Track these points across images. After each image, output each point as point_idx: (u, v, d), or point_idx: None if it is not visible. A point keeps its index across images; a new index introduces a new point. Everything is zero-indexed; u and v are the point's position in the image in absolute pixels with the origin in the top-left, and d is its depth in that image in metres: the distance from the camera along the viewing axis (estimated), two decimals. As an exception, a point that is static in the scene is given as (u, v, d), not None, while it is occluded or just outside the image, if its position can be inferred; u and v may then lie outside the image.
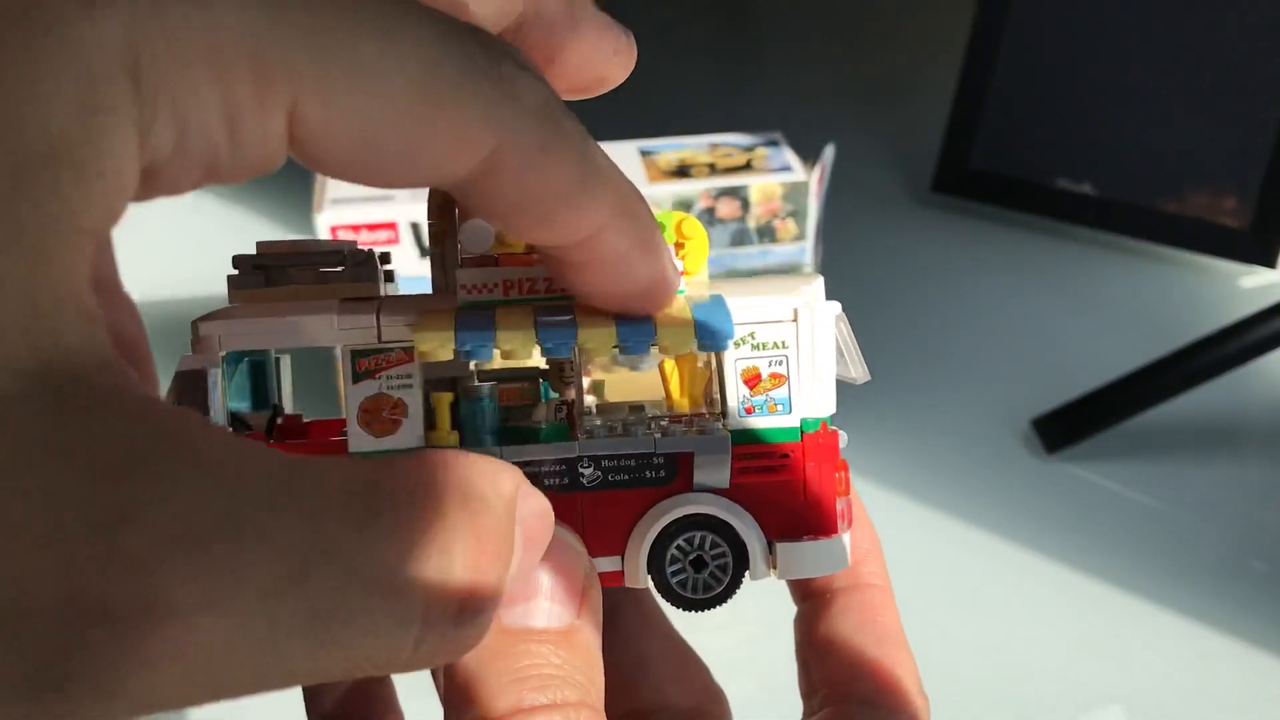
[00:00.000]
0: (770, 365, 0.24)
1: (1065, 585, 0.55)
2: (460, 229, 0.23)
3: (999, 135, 0.82)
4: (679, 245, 0.25)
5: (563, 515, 0.23)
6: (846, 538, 0.25)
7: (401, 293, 0.26)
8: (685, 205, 0.54)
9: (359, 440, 0.23)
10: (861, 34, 1.12)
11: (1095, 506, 0.60)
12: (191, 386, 0.23)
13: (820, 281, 0.25)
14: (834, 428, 0.25)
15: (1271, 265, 0.74)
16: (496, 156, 0.19)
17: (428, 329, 0.22)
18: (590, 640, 0.22)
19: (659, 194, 0.54)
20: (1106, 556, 0.57)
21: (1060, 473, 0.62)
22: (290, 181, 0.76)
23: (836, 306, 0.25)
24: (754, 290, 0.24)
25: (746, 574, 0.24)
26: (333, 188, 0.54)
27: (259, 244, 0.25)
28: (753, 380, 0.24)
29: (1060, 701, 0.50)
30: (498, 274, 0.24)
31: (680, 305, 0.23)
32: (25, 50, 0.15)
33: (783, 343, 0.24)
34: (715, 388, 0.25)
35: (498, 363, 0.24)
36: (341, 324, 0.23)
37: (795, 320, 0.24)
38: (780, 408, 0.24)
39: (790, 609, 0.28)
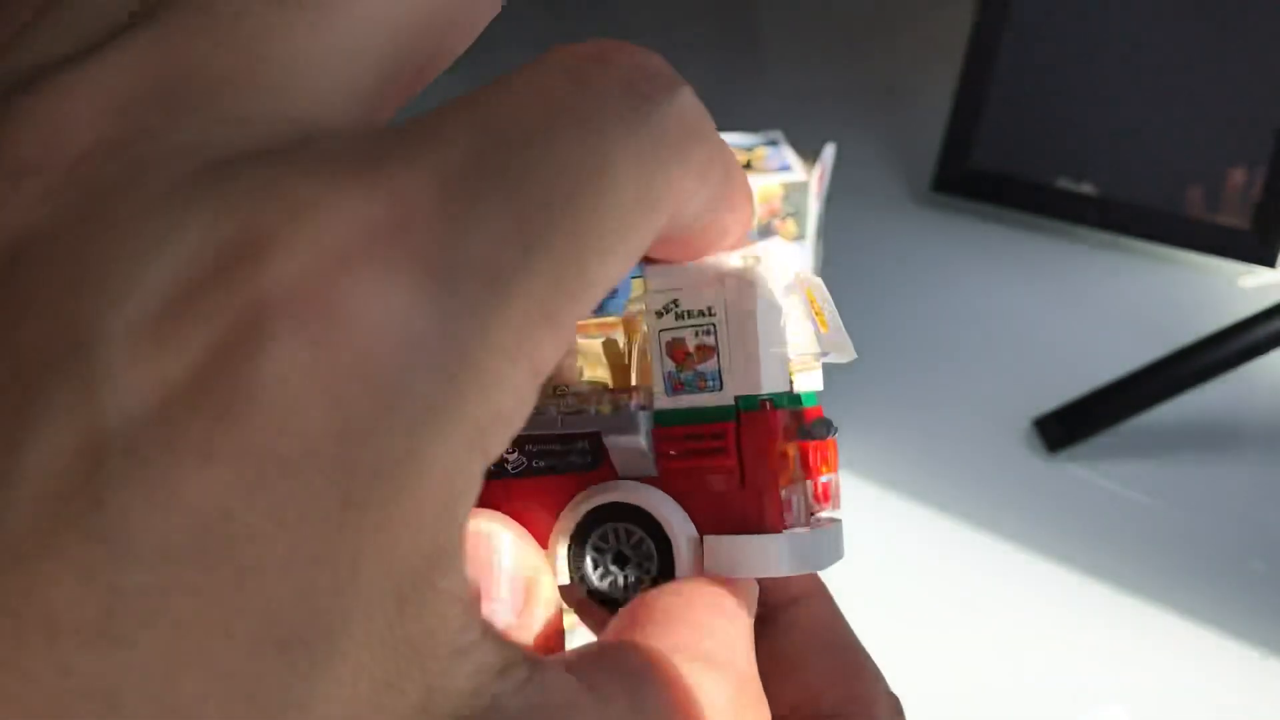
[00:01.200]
0: (696, 336, 0.21)
1: (1066, 585, 0.55)
2: None
3: (999, 135, 0.81)
4: None
5: (492, 503, 0.22)
6: (833, 531, 0.22)
7: None
8: (685, 205, 0.54)
9: None
10: (861, 34, 1.12)
11: (1096, 506, 0.60)
12: None
13: (776, 244, 0.22)
14: (816, 408, 0.23)
15: (1271, 265, 0.74)
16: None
17: None
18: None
19: (659, 194, 0.54)
20: (1107, 556, 0.56)
21: (1061, 472, 0.61)
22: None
23: (795, 267, 0.22)
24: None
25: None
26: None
27: None
28: (679, 354, 0.21)
29: (1060, 701, 0.50)
30: None
31: None
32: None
33: (708, 309, 0.21)
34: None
35: None
36: None
37: (722, 284, 0.21)
38: (709, 384, 0.21)
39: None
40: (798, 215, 0.55)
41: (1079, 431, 0.62)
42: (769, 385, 0.21)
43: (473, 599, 0.16)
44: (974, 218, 0.83)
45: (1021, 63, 0.81)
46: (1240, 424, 0.65)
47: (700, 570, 0.21)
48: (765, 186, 0.54)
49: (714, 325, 0.21)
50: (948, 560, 0.57)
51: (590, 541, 0.22)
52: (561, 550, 0.22)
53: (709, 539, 0.21)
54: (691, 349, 0.21)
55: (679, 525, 0.21)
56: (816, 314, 0.22)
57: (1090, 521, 0.59)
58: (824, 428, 0.22)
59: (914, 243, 0.81)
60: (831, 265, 0.64)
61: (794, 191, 0.54)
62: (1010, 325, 0.73)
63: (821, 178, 0.55)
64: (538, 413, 0.22)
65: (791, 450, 0.22)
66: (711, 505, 0.21)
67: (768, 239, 0.22)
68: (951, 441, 0.64)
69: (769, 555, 0.21)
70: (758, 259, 0.21)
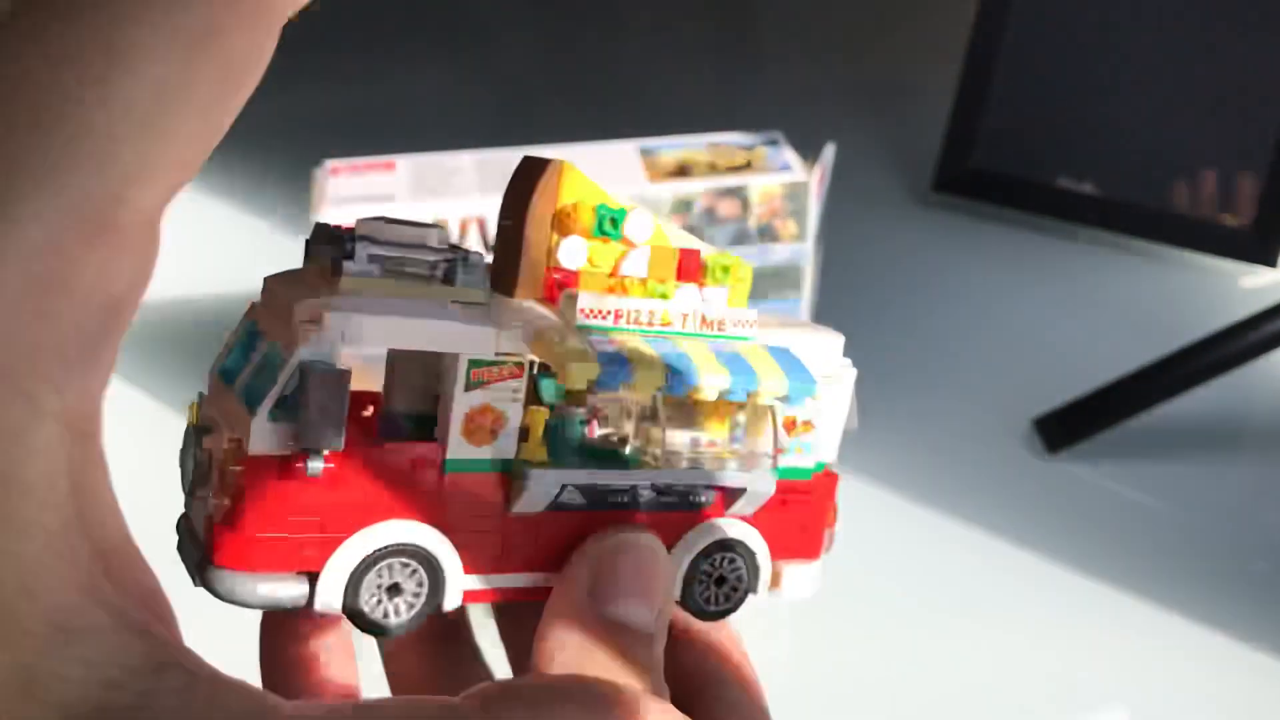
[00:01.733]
0: (805, 415, 0.27)
1: (1066, 585, 0.55)
2: (560, 245, 0.24)
3: (999, 135, 0.81)
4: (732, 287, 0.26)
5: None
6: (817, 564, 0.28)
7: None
8: (685, 205, 0.54)
9: (458, 448, 0.23)
10: (861, 34, 1.12)
11: (1096, 506, 0.60)
12: (327, 388, 0.21)
13: (841, 340, 0.27)
14: (833, 470, 0.28)
15: (1272, 265, 0.74)
16: None
17: (574, 359, 0.23)
18: (664, 642, 0.25)
19: (659, 194, 0.54)
20: (1107, 556, 0.56)
21: (1061, 472, 0.61)
22: (288, 180, 0.76)
23: (854, 370, 0.28)
24: (794, 341, 0.26)
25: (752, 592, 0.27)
26: (332, 187, 0.54)
27: (359, 221, 0.24)
28: (789, 426, 0.27)
29: (1060, 702, 0.50)
30: (615, 303, 0.24)
31: (756, 351, 0.25)
32: None
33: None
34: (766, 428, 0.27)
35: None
36: (469, 333, 0.23)
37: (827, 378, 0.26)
38: (804, 451, 0.27)
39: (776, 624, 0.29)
40: (798, 215, 0.55)
41: (1079, 431, 0.62)
42: (833, 454, 0.28)
43: (94, 584, 0.17)
44: (974, 217, 0.83)
45: (1021, 63, 0.81)
46: (1240, 424, 0.65)
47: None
48: (765, 186, 0.54)
49: (821, 409, 0.27)
50: (948, 560, 0.57)
51: (704, 564, 0.26)
52: (683, 568, 0.26)
53: (787, 568, 0.28)
54: (799, 423, 0.27)
55: (767, 559, 0.27)
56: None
57: (1090, 521, 0.59)
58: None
59: (914, 243, 0.81)
60: (831, 265, 0.64)
61: (794, 191, 0.54)
62: (1010, 325, 0.73)
63: (821, 178, 0.55)
64: (693, 465, 0.26)
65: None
66: (782, 541, 0.28)
67: (836, 341, 0.27)
68: (951, 441, 0.64)
69: (818, 576, 0.29)
70: (845, 362, 0.28)
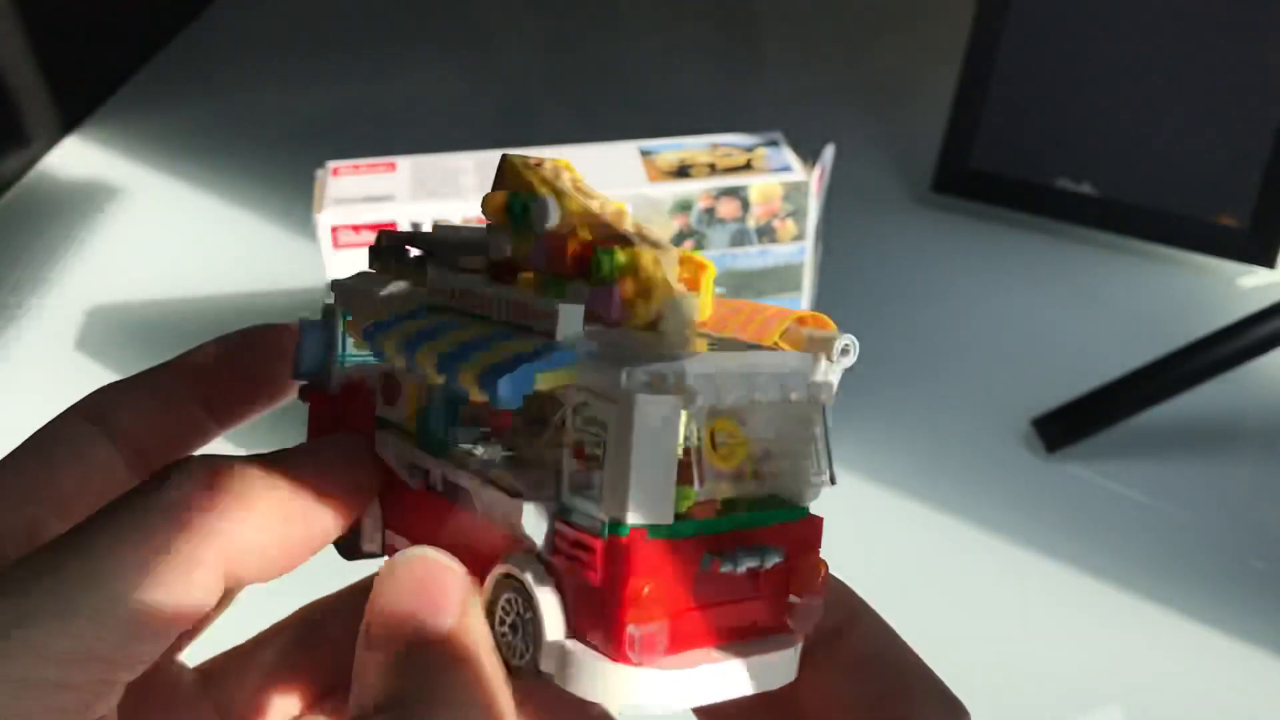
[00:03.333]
0: (589, 445, 0.20)
1: (1065, 585, 0.55)
2: (534, 204, 0.22)
3: (999, 135, 0.82)
4: (691, 282, 0.23)
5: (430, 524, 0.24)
6: (746, 664, 0.21)
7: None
8: (685, 205, 0.54)
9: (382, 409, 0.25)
10: (861, 34, 1.12)
11: (1095, 506, 0.60)
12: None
13: (698, 363, 0.20)
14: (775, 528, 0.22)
15: (1271, 265, 0.74)
16: None
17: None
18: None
19: (659, 194, 0.54)
20: (1106, 556, 0.57)
21: (1060, 472, 0.62)
22: (289, 180, 0.76)
23: (700, 397, 0.20)
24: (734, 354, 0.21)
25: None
26: (332, 187, 0.54)
27: (436, 227, 0.24)
28: (579, 455, 0.21)
29: (1060, 701, 0.50)
30: (456, 281, 0.24)
31: (525, 346, 0.21)
32: None
33: (602, 423, 0.20)
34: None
35: None
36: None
37: (616, 403, 0.20)
38: (593, 496, 0.20)
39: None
40: (797, 215, 0.55)
41: (1078, 431, 0.62)
42: (637, 515, 0.20)
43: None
44: (974, 218, 0.83)
45: (1021, 63, 0.81)
46: (1240, 424, 0.65)
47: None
48: (765, 186, 0.54)
49: (603, 440, 0.20)
50: (947, 560, 0.57)
51: (501, 600, 0.22)
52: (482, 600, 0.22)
53: (569, 643, 0.21)
54: (587, 454, 0.21)
55: (554, 616, 0.21)
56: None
57: (1090, 521, 0.59)
58: (747, 557, 0.21)
59: (914, 243, 0.81)
60: (831, 265, 0.64)
61: (794, 191, 0.54)
62: (1009, 325, 0.73)
63: (821, 178, 0.55)
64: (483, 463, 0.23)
65: (677, 581, 0.21)
66: (580, 610, 0.21)
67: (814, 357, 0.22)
68: (951, 441, 0.64)
69: (598, 686, 0.20)
70: (662, 381, 0.20)
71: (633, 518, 0.20)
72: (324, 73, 1.07)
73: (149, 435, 0.25)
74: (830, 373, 0.22)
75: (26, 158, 0.94)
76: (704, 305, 0.22)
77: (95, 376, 0.70)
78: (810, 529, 0.23)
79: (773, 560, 0.21)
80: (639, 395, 0.20)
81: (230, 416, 0.26)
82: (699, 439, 0.21)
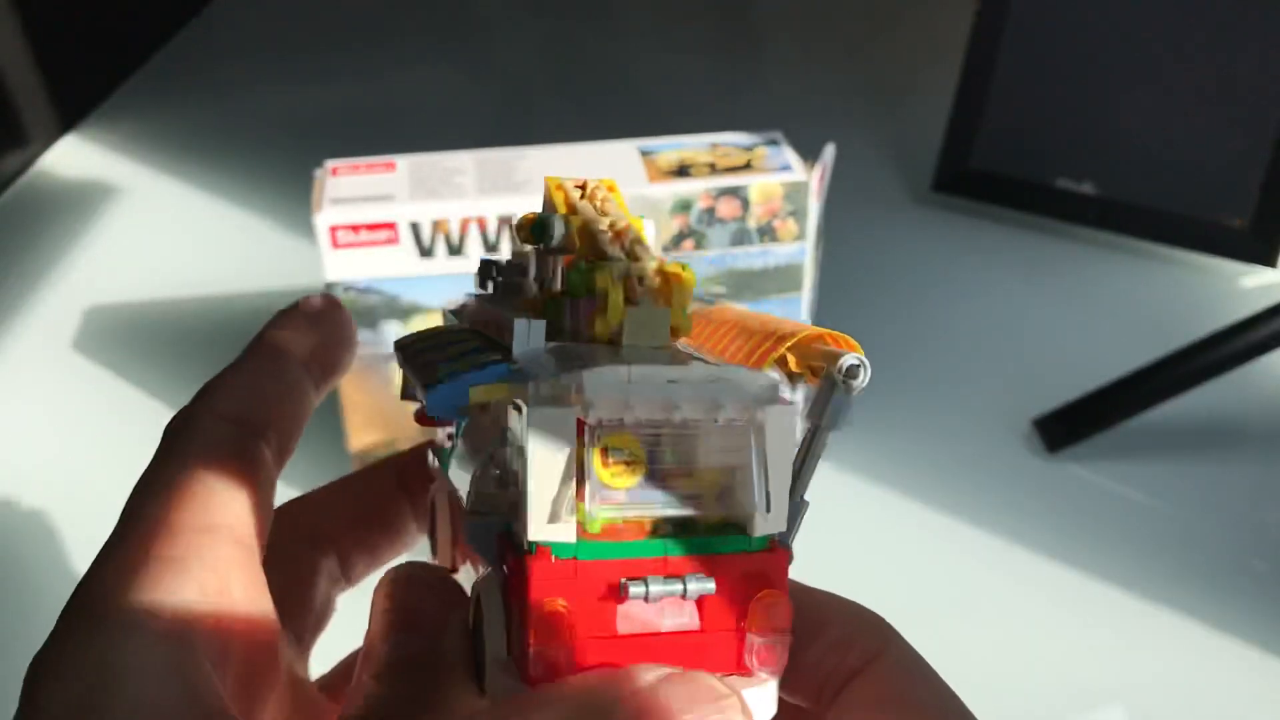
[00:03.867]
0: (509, 456, 0.21)
1: (1066, 585, 0.55)
2: (546, 222, 0.22)
3: (999, 135, 0.81)
4: (660, 293, 0.22)
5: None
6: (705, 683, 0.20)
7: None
8: (685, 205, 0.54)
9: None
10: (861, 34, 1.12)
11: (1096, 506, 0.60)
12: None
13: (608, 374, 0.19)
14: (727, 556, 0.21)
15: (1272, 265, 0.74)
16: None
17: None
18: None
19: (659, 194, 0.54)
20: (1107, 556, 0.56)
21: (1062, 472, 0.61)
22: (288, 180, 0.76)
23: (596, 409, 0.19)
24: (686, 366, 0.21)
25: None
26: (331, 187, 0.54)
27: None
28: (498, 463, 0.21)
29: (1060, 701, 0.50)
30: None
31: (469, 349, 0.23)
32: None
33: (507, 434, 0.20)
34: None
35: None
36: None
37: (521, 414, 0.19)
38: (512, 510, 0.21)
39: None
40: (798, 215, 0.55)
41: (1079, 431, 0.62)
42: (538, 532, 0.20)
43: None
44: (974, 218, 0.83)
45: (1021, 63, 0.81)
46: (1240, 424, 0.65)
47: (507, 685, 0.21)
48: (765, 186, 0.54)
49: (509, 452, 0.20)
50: (947, 560, 0.57)
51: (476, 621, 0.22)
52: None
53: (498, 664, 0.21)
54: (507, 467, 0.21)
55: (493, 638, 0.21)
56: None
57: (1090, 521, 0.59)
58: (664, 584, 0.20)
59: (914, 243, 0.81)
60: (831, 265, 0.64)
61: (794, 191, 0.54)
62: (1010, 325, 0.73)
63: (821, 178, 0.55)
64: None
65: (595, 605, 0.20)
66: (514, 631, 0.21)
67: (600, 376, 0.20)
68: (951, 441, 0.64)
69: None
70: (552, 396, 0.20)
71: (533, 534, 0.19)
72: (323, 72, 1.06)
73: (281, 425, 0.25)
74: (836, 396, 0.21)
75: (25, 157, 0.94)
76: (676, 317, 0.22)
77: (93, 376, 0.70)
78: (770, 562, 0.21)
79: (699, 590, 0.20)
80: (533, 407, 0.19)
81: (325, 387, 0.27)
82: (589, 454, 0.20)
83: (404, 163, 0.56)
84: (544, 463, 0.19)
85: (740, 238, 0.55)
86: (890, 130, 0.94)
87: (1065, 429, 0.62)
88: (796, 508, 0.22)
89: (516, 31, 1.17)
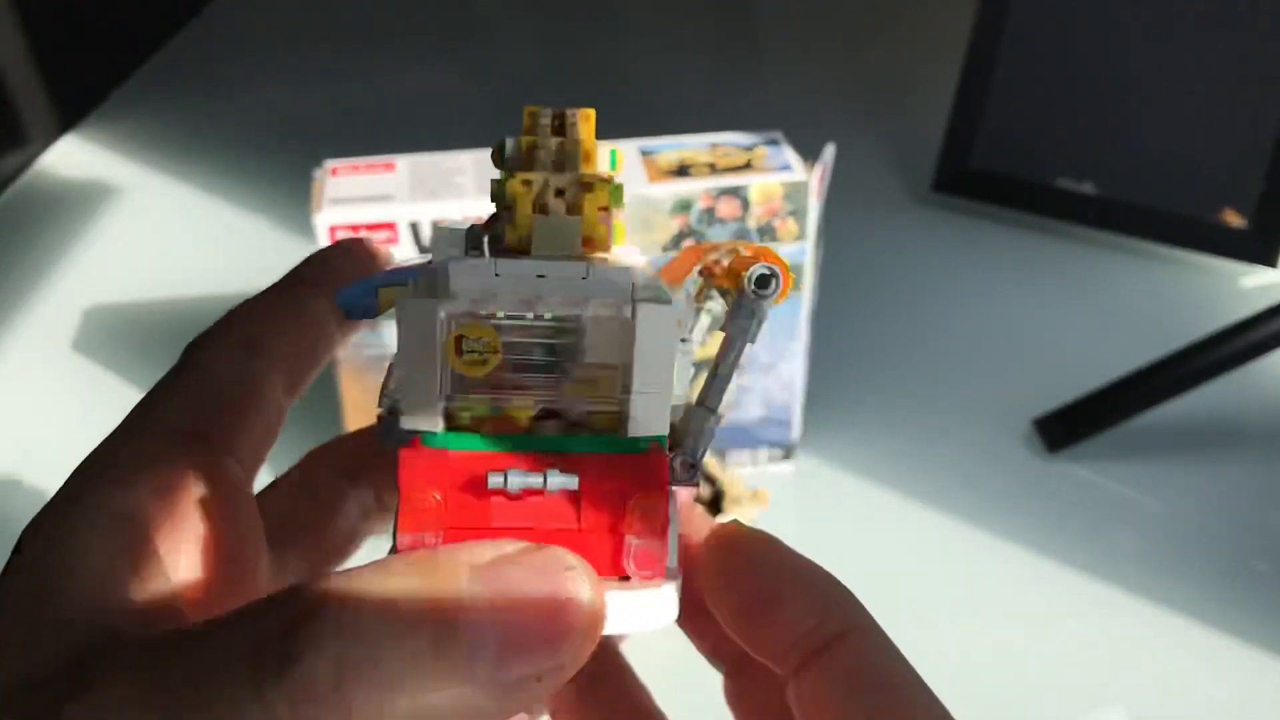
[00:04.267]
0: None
1: (1066, 585, 0.55)
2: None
3: (999, 135, 0.81)
4: (605, 209, 0.22)
5: None
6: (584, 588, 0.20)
7: None
8: (685, 205, 0.54)
9: None
10: (861, 34, 1.12)
11: (1097, 506, 0.60)
12: None
13: (470, 266, 0.20)
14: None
15: (1272, 265, 0.74)
16: None
17: None
18: None
19: (659, 194, 0.54)
20: (1108, 556, 0.56)
21: (1062, 472, 0.61)
22: (287, 180, 0.76)
23: (460, 300, 0.20)
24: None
25: None
26: (331, 187, 0.54)
27: None
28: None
29: (1060, 701, 0.50)
30: None
31: None
32: None
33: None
34: None
35: None
36: None
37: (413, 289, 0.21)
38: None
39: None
40: (798, 215, 0.55)
41: (1079, 431, 0.62)
42: (410, 420, 0.20)
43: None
44: (974, 217, 0.83)
45: (1021, 62, 0.80)
46: (1240, 424, 0.65)
47: None
48: (765, 186, 0.54)
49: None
50: (947, 560, 0.57)
51: None
52: None
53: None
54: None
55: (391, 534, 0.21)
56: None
57: (1091, 522, 0.59)
58: (523, 478, 0.20)
59: (914, 243, 0.81)
60: (831, 265, 0.64)
61: (794, 191, 0.54)
62: (1010, 325, 0.73)
63: (821, 178, 0.55)
64: None
65: (464, 496, 0.21)
66: None
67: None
68: (951, 441, 0.64)
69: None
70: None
71: (405, 422, 0.20)
72: (322, 72, 1.06)
73: (299, 359, 0.25)
74: (745, 305, 0.21)
75: (24, 157, 0.93)
76: (588, 227, 0.21)
77: (93, 376, 0.70)
78: (646, 465, 0.21)
79: (560, 484, 0.21)
80: (406, 299, 0.20)
81: (349, 330, 0.27)
82: (445, 344, 0.20)
83: (404, 163, 0.56)
84: (411, 352, 0.20)
85: (740, 237, 0.55)
86: (890, 130, 0.93)
87: (1065, 429, 0.62)
88: (703, 417, 0.22)
89: (516, 31, 1.17)
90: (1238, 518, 0.59)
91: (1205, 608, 0.54)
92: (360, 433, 0.29)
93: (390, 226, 0.52)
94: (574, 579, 0.19)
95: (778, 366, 0.59)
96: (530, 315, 0.20)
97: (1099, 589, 0.55)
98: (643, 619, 0.21)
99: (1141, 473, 0.61)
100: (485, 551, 0.19)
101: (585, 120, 0.22)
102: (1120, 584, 0.55)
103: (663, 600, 0.21)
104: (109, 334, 0.74)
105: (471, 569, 0.19)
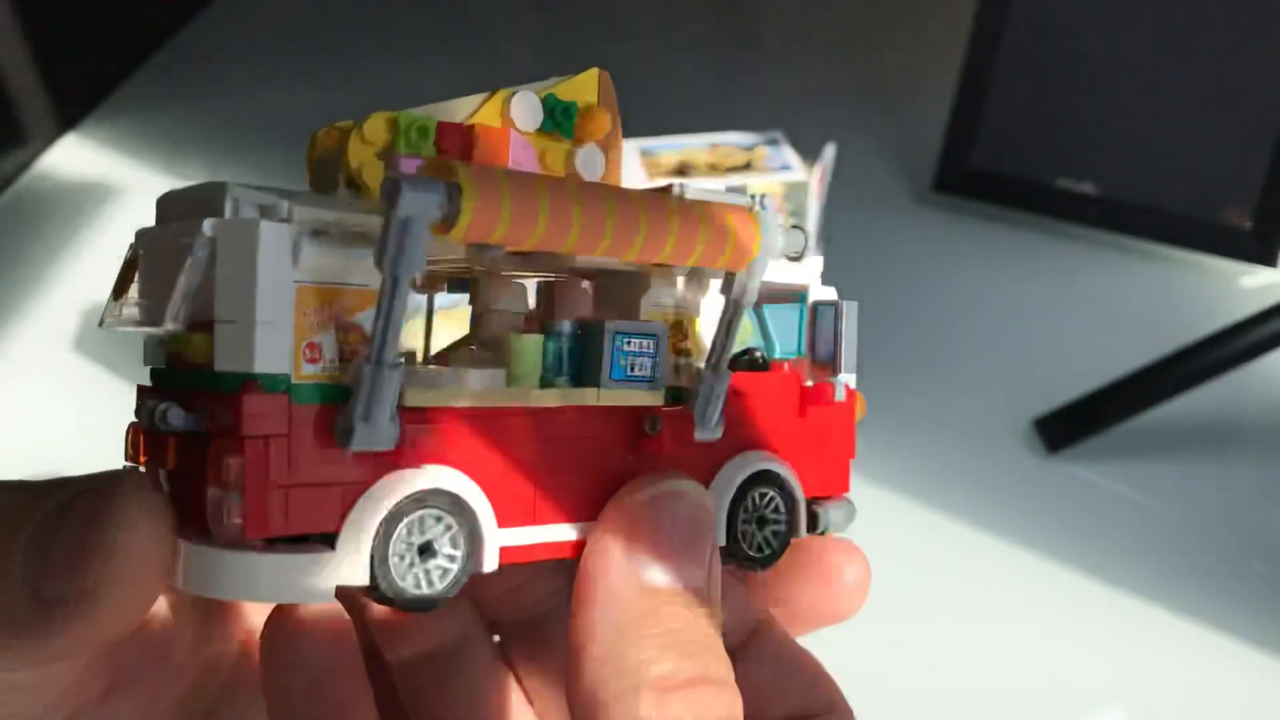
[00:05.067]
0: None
1: (1066, 585, 0.55)
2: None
3: (999, 135, 0.81)
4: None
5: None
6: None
7: None
8: (685, 205, 0.54)
9: None
10: (861, 34, 1.11)
11: (1096, 506, 0.60)
12: None
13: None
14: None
15: (1272, 265, 0.74)
16: None
17: None
18: (719, 607, 0.21)
19: (659, 193, 0.54)
20: (1107, 556, 0.56)
21: (1062, 472, 0.61)
22: (287, 180, 0.76)
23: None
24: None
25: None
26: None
27: None
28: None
29: (1060, 701, 0.50)
30: None
31: None
32: None
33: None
34: None
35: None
36: None
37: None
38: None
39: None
40: (798, 215, 0.55)
41: (1079, 431, 0.62)
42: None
43: None
44: (974, 217, 0.83)
45: (1022, 62, 0.80)
46: (1240, 424, 0.65)
47: None
48: (765, 186, 0.54)
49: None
50: (947, 560, 0.57)
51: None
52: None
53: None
54: None
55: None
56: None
57: (1090, 521, 0.59)
58: (148, 413, 0.20)
59: (914, 243, 0.81)
60: (831, 265, 0.64)
61: (794, 191, 0.54)
62: (1010, 325, 0.73)
63: (821, 178, 0.55)
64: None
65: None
66: None
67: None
68: (951, 441, 0.64)
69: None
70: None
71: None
72: (322, 72, 1.06)
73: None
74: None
75: (24, 157, 0.93)
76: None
77: (93, 377, 0.70)
78: (231, 406, 0.19)
79: (177, 424, 0.19)
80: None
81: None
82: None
83: (404, 163, 0.55)
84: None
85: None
86: (890, 130, 0.93)
87: (1065, 429, 0.62)
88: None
89: (516, 31, 1.17)
90: (1238, 518, 0.59)
91: (1205, 608, 0.54)
92: None
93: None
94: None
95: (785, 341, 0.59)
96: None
97: (1099, 589, 0.55)
98: (278, 589, 0.19)
99: (1141, 473, 0.61)
100: None
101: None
102: (1120, 584, 0.55)
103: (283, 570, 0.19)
104: (109, 334, 0.74)
105: None
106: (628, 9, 1.19)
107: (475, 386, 0.20)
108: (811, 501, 0.25)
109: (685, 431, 0.22)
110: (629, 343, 0.21)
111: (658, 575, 0.20)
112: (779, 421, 0.24)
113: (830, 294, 0.27)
